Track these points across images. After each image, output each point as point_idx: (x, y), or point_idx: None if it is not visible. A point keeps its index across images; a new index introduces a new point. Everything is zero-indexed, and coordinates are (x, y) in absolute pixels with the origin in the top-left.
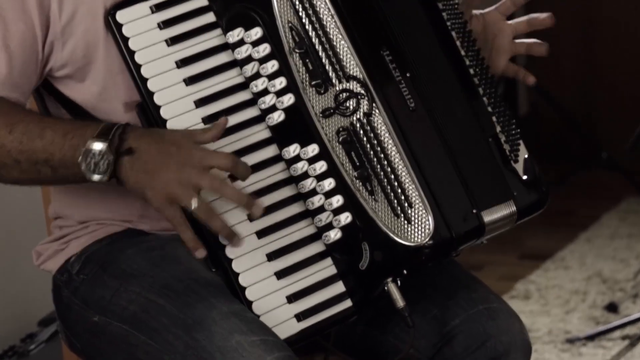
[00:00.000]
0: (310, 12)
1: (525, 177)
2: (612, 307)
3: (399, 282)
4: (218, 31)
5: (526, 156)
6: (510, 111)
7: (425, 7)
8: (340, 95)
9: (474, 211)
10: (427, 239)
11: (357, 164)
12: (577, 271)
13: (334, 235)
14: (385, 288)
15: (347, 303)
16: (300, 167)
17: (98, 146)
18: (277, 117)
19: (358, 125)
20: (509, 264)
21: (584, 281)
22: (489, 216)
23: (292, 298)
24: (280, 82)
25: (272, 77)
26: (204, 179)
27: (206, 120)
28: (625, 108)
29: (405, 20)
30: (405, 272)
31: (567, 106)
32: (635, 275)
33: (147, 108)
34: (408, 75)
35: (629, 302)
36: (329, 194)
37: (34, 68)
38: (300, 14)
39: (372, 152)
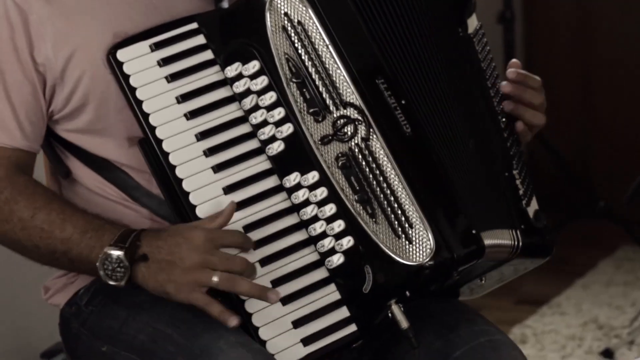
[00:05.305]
0: (306, 42)
1: (535, 221)
2: (608, 354)
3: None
4: (216, 67)
5: (537, 208)
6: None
7: (437, 37)
8: (338, 121)
9: (474, 232)
10: (428, 259)
11: (357, 188)
12: (573, 317)
13: (337, 260)
14: (389, 311)
15: (352, 327)
16: (301, 194)
17: (115, 253)
18: (277, 147)
19: (356, 150)
20: (506, 308)
21: (580, 327)
22: (489, 239)
23: (297, 323)
24: (279, 113)
25: (270, 108)
26: (214, 258)
27: (207, 153)
28: (623, 157)
29: (401, 51)
30: (407, 293)
31: (565, 154)
32: (631, 322)
33: (149, 143)
34: (403, 102)
35: (624, 349)
36: (330, 219)
37: (40, 115)
38: (296, 45)
39: (371, 176)
